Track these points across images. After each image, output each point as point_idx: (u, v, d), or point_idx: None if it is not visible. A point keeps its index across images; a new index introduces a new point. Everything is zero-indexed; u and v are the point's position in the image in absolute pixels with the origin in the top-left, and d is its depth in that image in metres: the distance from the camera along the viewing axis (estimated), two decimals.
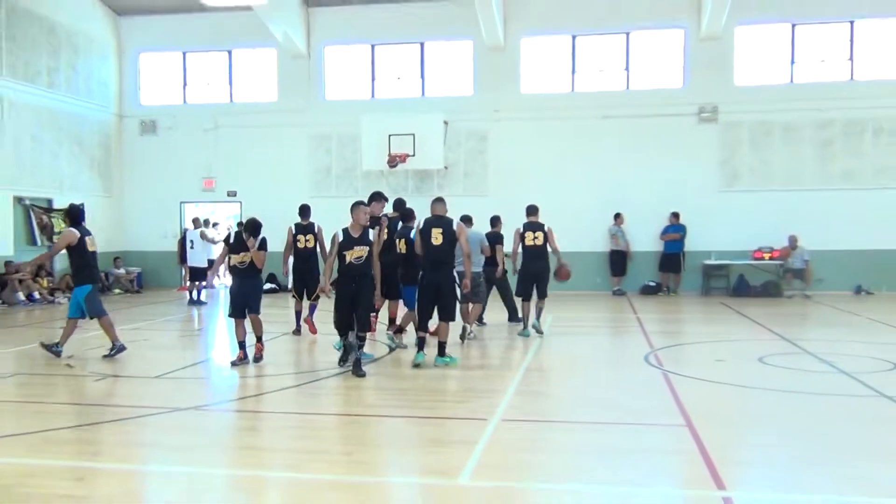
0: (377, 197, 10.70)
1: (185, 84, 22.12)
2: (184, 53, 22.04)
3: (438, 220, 9.57)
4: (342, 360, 9.38)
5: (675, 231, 19.22)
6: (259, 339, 9.88)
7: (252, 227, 9.70)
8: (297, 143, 21.23)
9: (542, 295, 11.98)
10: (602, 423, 6.97)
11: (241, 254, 9.75)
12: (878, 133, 19.09)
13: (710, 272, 19.28)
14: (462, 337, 11.24)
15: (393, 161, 19.43)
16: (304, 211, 12.46)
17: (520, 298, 12.10)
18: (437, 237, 9.40)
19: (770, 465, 5.67)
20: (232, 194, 21.63)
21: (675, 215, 19.24)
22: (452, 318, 9.55)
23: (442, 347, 9.52)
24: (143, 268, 21.60)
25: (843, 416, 7.09)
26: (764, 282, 18.86)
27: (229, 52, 21.83)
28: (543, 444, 6.25)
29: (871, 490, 5.09)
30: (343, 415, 7.53)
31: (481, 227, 12.57)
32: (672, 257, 19.21)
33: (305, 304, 12.20)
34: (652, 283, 19.46)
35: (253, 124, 21.27)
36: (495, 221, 13.20)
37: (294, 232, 12.22)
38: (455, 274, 9.83)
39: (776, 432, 6.53)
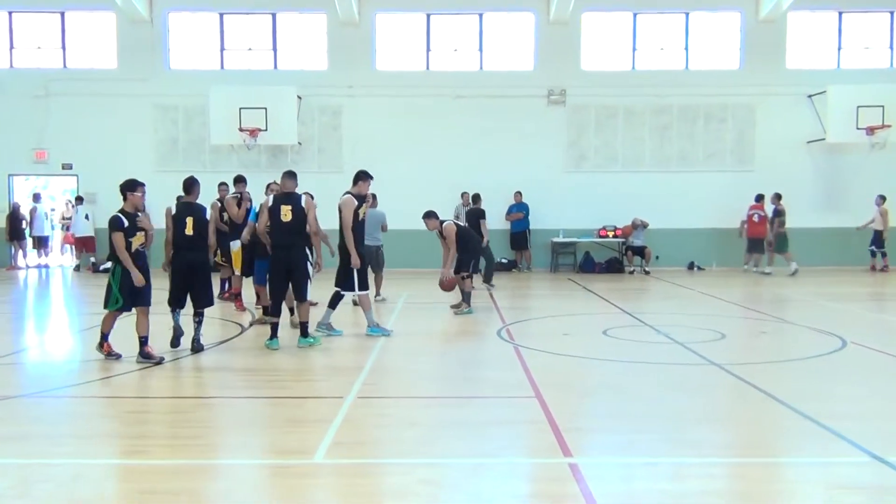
0: (364, 176, 10.21)
1: (11, 46, 20.45)
2: (10, 13, 20.36)
3: (288, 196, 9.29)
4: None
5: (518, 210, 19.82)
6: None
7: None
8: (139, 113, 20.14)
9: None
10: (455, 397, 7.13)
11: (139, 234, 8.27)
12: (708, 119, 20.46)
13: (559, 249, 20.06)
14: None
15: (254, 134, 18.82)
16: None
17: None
18: (286, 214, 9.11)
19: (612, 431, 5.99)
20: (67, 167, 20.29)
21: (519, 194, 19.82)
22: (305, 298, 9.34)
23: (304, 328, 9.34)
24: None
25: (678, 383, 7.59)
26: (608, 259, 19.84)
27: (62, 14, 20.37)
28: (398, 420, 6.31)
29: (701, 451, 5.48)
30: (193, 398, 7.28)
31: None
32: (519, 235, 19.85)
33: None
34: (505, 261, 20.02)
35: (90, 92, 19.98)
36: (476, 199, 16.35)
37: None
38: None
39: (618, 400, 6.91)
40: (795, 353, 9.32)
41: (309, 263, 9.54)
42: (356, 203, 9.81)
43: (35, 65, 20.40)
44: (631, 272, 19.34)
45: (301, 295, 9.30)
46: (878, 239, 19.34)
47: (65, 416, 6.67)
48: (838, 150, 20.14)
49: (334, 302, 10.15)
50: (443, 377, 8.13)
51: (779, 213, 18.73)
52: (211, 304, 9.11)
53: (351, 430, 5.97)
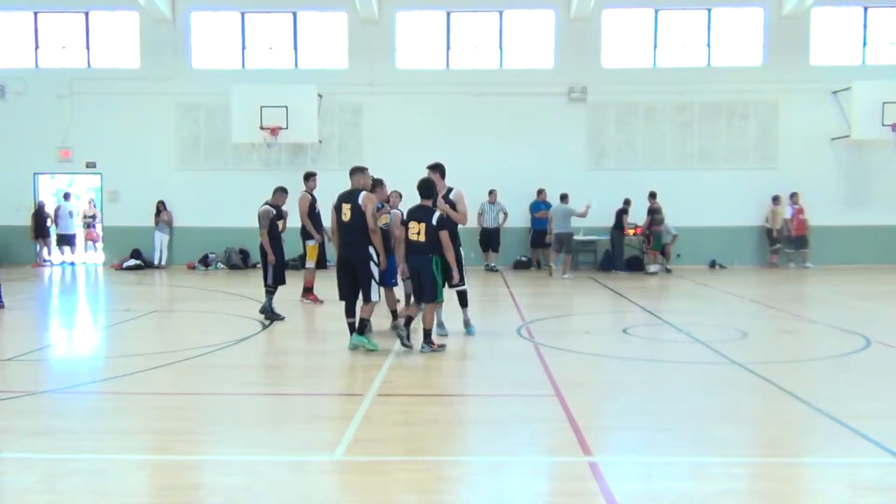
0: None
1: (36, 46, 20.68)
2: (35, 13, 20.59)
3: (350, 194, 9.00)
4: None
5: (547, 208, 19.72)
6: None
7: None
8: (162, 112, 20.29)
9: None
10: (475, 395, 7.13)
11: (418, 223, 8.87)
12: (731, 117, 20.27)
13: (579, 248, 19.95)
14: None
15: (275, 132, 18.93)
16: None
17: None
18: (346, 212, 8.88)
19: (633, 430, 5.97)
20: (91, 165, 20.48)
21: (543, 192, 19.73)
22: (368, 299, 8.94)
23: (362, 325, 8.99)
24: None
25: (698, 382, 7.55)
26: (629, 257, 19.73)
27: (86, 14, 20.56)
28: (417, 417, 6.32)
29: (722, 451, 5.45)
30: (215, 394, 7.33)
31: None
32: (542, 233, 19.73)
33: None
34: (524, 259, 19.97)
35: (113, 91, 20.16)
36: (627, 202, 18.71)
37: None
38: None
39: (638, 399, 6.87)
40: (818, 352, 9.22)
41: (373, 263, 8.96)
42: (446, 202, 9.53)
43: (59, 64, 20.60)
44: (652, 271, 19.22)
45: (363, 295, 8.96)
46: (769, 237, 19.86)
47: (89, 412, 6.75)
48: (863, 147, 19.87)
49: (463, 300, 10.01)
50: (462, 375, 8.14)
51: (652, 212, 18.71)
52: (266, 283, 11.23)
53: (370, 427, 5.98)
